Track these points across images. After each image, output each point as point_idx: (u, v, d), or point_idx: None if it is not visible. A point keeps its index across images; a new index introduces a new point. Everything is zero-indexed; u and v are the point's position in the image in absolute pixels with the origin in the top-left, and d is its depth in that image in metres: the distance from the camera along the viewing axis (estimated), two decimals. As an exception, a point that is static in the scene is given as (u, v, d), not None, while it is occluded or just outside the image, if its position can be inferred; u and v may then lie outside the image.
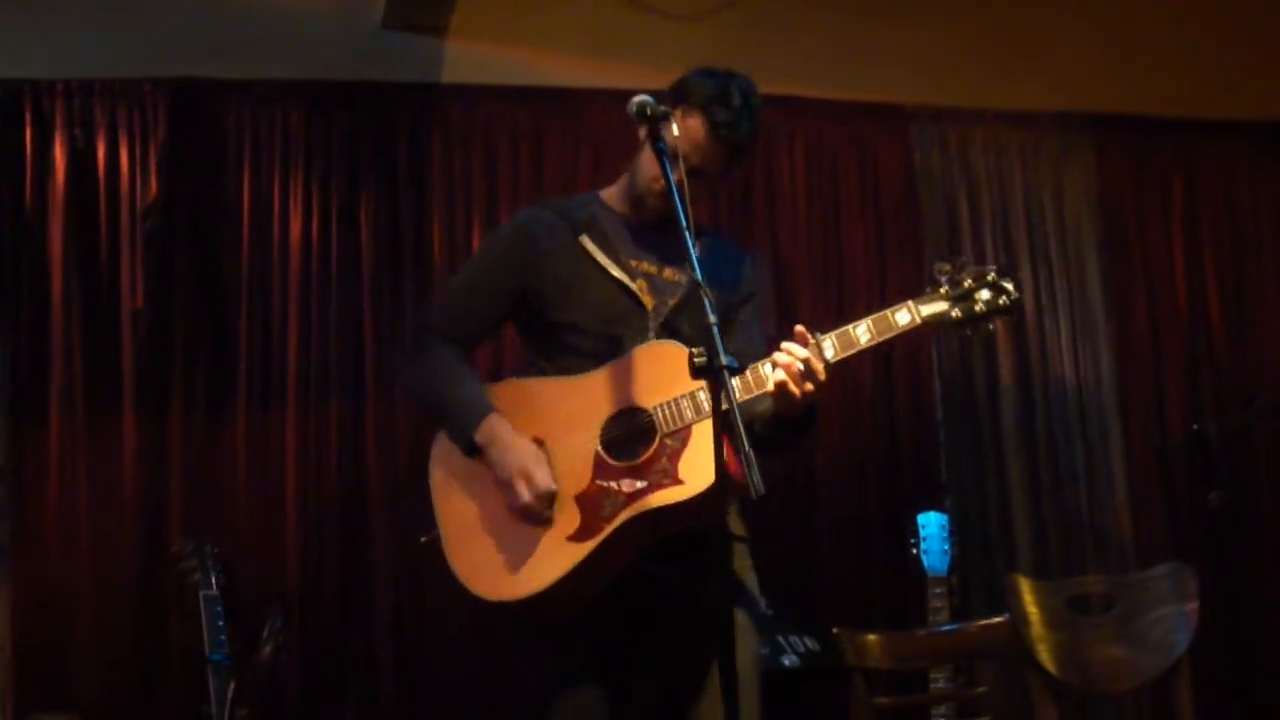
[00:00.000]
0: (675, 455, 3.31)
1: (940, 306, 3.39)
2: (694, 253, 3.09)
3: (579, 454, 3.39)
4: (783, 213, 6.49)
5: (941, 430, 6.50)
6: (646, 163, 3.53)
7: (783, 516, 6.11)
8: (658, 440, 3.34)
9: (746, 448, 2.83)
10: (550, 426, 3.45)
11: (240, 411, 5.84)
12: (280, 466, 5.84)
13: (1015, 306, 3.41)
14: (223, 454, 5.81)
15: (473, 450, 3.47)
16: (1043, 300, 6.67)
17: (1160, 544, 6.42)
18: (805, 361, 3.26)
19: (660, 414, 3.34)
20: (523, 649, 3.49)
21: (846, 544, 6.31)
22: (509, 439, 3.42)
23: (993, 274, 3.42)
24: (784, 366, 3.25)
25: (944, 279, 3.42)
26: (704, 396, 3.27)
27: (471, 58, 6.25)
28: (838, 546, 6.29)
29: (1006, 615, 4.67)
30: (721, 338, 2.97)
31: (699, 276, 3.06)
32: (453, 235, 6.08)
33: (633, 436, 3.38)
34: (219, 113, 5.99)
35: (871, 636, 4.60)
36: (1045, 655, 4.60)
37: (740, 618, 3.36)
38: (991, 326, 3.44)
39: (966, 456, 6.48)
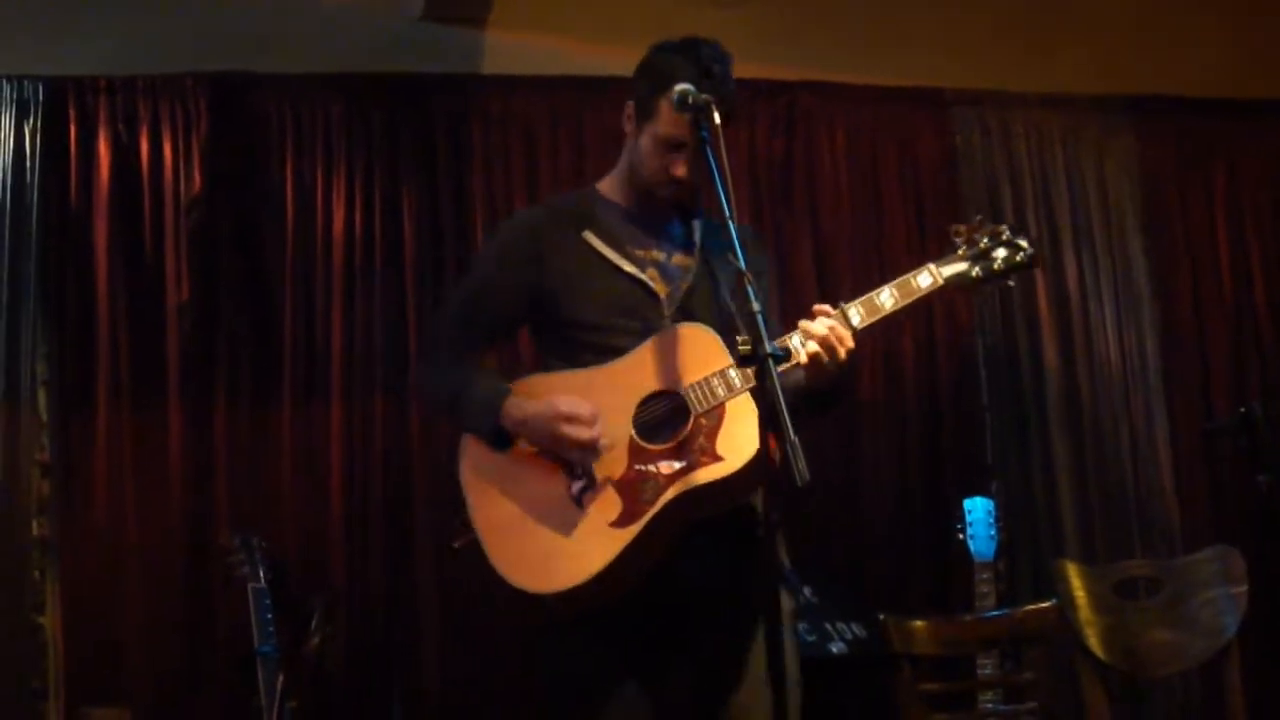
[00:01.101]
0: (712, 433, 3.29)
1: (960, 267, 3.51)
2: (736, 235, 3.09)
3: (613, 440, 3.36)
4: (823, 199, 6.50)
5: (987, 414, 6.49)
6: (648, 154, 3.50)
7: (828, 503, 6.12)
8: (692, 420, 3.32)
9: (792, 436, 2.83)
10: None
11: (285, 405, 5.89)
12: (325, 459, 5.89)
13: (1031, 261, 3.54)
14: (268, 447, 5.87)
15: (500, 441, 3.45)
16: (1087, 283, 6.67)
17: (1207, 527, 6.41)
18: (833, 329, 3.30)
19: (693, 394, 3.33)
20: (558, 643, 3.47)
21: (892, 530, 6.33)
22: (533, 408, 3.39)
23: (1007, 232, 3.55)
24: (816, 338, 3.28)
25: (960, 240, 3.55)
26: (734, 373, 3.28)
27: (511, 48, 6.28)
28: (883, 533, 6.32)
29: (1054, 600, 4.69)
30: (765, 324, 2.98)
31: (742, 262, 3.06)
32: (493, 225, 6.09)
33: (665, 420, 3.36)
34: (260, 106, 6.05)
35: (918, 623, 4.63)
36: (1093, 640, 4.61)
37: (785, 604, 3.35)
38: (1011, 282, 3.57)
39: (1012, 441, 6.48)
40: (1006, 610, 5.02)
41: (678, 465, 3.30)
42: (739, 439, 3.25)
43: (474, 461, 3.51)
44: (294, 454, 5.87)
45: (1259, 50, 6.91)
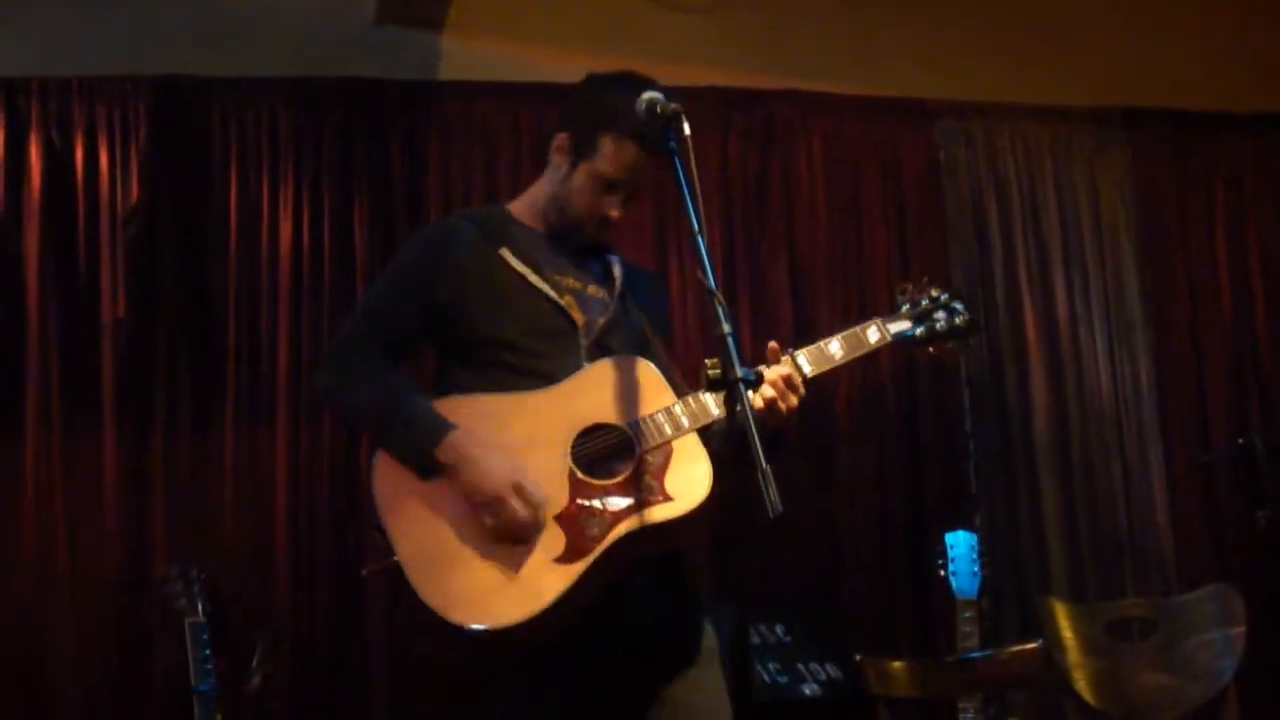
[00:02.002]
0: (660, 472, 3.32)
1: (905, 325, 3.62)
2: (705, 255, 3.09)
3: (550, 474, 3.33)
4: (800, 213, 6.47)
5: (971, 443, 6.46)
6: (582, 191, 3.53)
7: (803, 535, 6.09)
8: (638, 457, 3.33)
9: (764, 464, 2.82)
10: (513, 445, 3.38)
11: (228, 427, 5.82)
12: (270, 486, 5.81)
13: (971, 327, 3.65)
14: (209, 473, 5.79)
15: (430, 470, 3.38)
16: (1077, 305, 6.65)
17: (1204, 565, 6.38)
18: (787, 378, 3.34)
19: (638, 429, 3.34)
20: (491, 684, 3.43)
21: (870, 565, 6.28)
22: (483, 456, 3.34)
23: (945, 296, 3.66)
24: (770, 383, 3.31)
25: (903, 299, 3.66)
26: (680, 411, 3.34)
27: (469, 53, 6.25)
28: (861, 568, 6.27)
29: (1041, 641, 4.66)
30: (737, 349, 2.99)
31: (713, 284, 3.05)
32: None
33: (606, 454, 3.36)
34: (204, 112, 5.98)
35: (897, 664, 4.59)
36: (1082, 684, 4.59)
37: (709, 640, 3.46)
38: (951, 345, 3.66)
39: (997, 471, 6.45)
40: (990, 651, 4.97)
41: (625, 503, 3.30)
42: (690, 479, 3.31)
43: (393, 483, 3.43)
44: (236, 480, 5.79)
45: (1262, 62, 6.91)
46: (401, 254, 3.71)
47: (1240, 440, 5.01)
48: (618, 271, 3.63)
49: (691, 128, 3.17)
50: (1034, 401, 6.50)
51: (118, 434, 5.72)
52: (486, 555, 3.31)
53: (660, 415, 3.34)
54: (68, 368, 5.72)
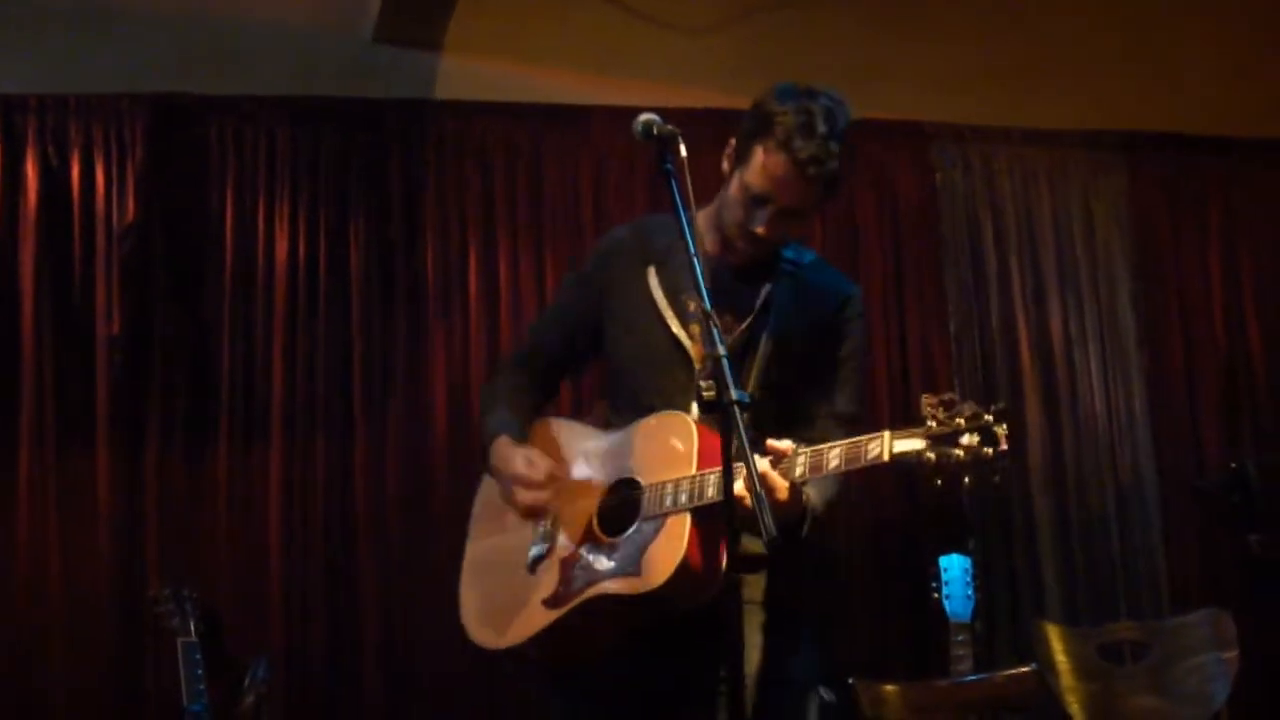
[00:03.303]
0: (644, 544, 3.24)
1: (916, 444, 3.04)
2: (700, 272, 3.03)
3: (579, 516, 3.38)
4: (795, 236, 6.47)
5: (965, 468, 6.45)
6: (734, 201, 3.42)
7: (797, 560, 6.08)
8: (636, 524, 3.28)
9: (759, 488, 2.81)
10: (563, 482, 3.44)
11: (221, 446, 5.83)
12: (264, 505, 5.82)
13: (998, 464, 3.02)
14: (203, 491, 5.80)
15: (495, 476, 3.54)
16: (1071, 329, 6.67)
17: (1197, 589, 6.38)
18: (763, 476, 3.05)
19: (648, 495, 3.28)
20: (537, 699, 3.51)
21: (863, 588, 6.28)
22: (511, 452, 3.44)
23: (989, 417, 3.02)
24: (743, 478, 2.97)
25: (928, 414, 3.06)
26: (685, 486, 3.19)
27: (466, 72, 6.26)
28: (854, 591, 6.27)
29: (1034, 664, 4.68)
30: (733, 372, 2.92)
31: (707, 303, 3.00)
32: (446, 259, 6.09)
33: (625, 512, 3.33)
34: (200, 130, 6.00)
35: (890, 687, 4.61)
36: (1075, 706, 4.61)
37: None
38: (967, 480, 3.04)
39: (990, 496, 6.45)
40: (984, 675, 5.00)
41: (607, 565, 3.28)
42: (661, 559, 3.19)
43: (485, 494, 3.62)
44: (230, 499, 5.80)
45: (1258, 86, 6.93)
46: (570, 271, 3.76)
47: (1233, 464, 5.04)
48: (761, 300, 3.44)
49: (690, 149, 3.17)
50: (1028, 424, 6.51)
51: (111, 452, 5.72)
52: (506, 577, 3.43)
53: (668, 485, 3.25)
54: (62, 385, 5.73)
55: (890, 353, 6.42)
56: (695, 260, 3.07)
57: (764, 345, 3.43)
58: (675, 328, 3.44)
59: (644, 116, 3.26)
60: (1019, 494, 6.47)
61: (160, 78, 5.96)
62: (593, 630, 3.30)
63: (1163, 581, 6.48)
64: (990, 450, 2.99)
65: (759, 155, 3.37)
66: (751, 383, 3.38)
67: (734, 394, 2.90)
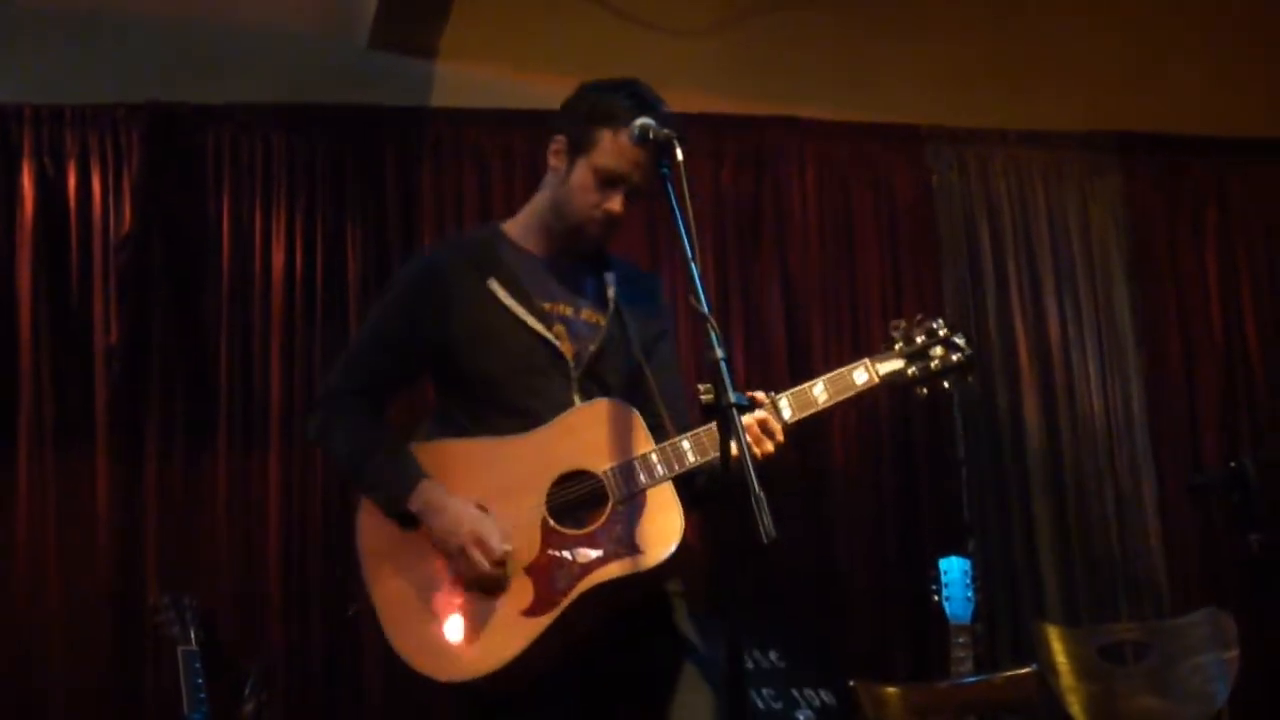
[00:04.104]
0: (631, 522, 3.28)
1: (896, 364, 3.50)
2: (698, 279, 3.06)
3: (524, 521, 3.33)
4: (793, 239, 6.49)
5: (963, 469, 6.48)
6: (581, 188, 3.45)
7: (797, 562, 6.10)
8: (610, 507, 3.29)
9: (758, 490, 2.82)
10: (487, 492, 3.38)
11: (220, 454, 5.84)
12: (262, 513, 5.83)
13: (969, 363, 3.53)
14: (202, 500, 5.80)
15: (406, 520, 3.40)
16: (1069, 330, 6.68)
17: (1197, 588, 6.40)
18: (762, 423, 3.27)
19: (611, 478, 3.30)
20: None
21: (864, 590, 6.29)
22: (450, 505, 3.35)
23: (944, 330, 3.52)
24: (745, 427, 3.09)
25: (898, 335, 3.54)
26: (656, 459, 3.28)
27: (462, 79, 6.27)
28: (855, 593, 6.28)
29: (1034, 665, 4.68)
30: (730, 374, 2.95)
31: (705, 309, 3.01)
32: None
33: (581, 502, 3.32)
34: (197, 139, 6.01)
35: (891, 689, 4.61)
36: (1076, 707, 4.61)
37: (692, 678, 3.37)
38: (947, 384, 3.53)
39: (990, 497, 6.47)
40: (984, 676, 5.00)
41: (593, 554, 3.28)
42: (660, 532, 3.25)
43: (373, 528, 3.47)
44: (229, 507, 5.81)
45: (1253, 86, 6.95)
46: (387, 295, 3.68)
47: (1232, 463, 5.03)
48: (611, 291, 3.54)
49: (684, 153, 3.19)
50: (1026, 426, 6.52)
51: (110, 461, 5.73)
52: (457, 606, 3.34)
53: (636, 462, 3.29)
54: (60, 395, 5.74)
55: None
56: (693, 266, 3.08)
57: (630, 328, 3.51)
58: (539, 329, 3.44)
59: (640, 120, 3.29)
60: (1018, 495, 6.47)
61: (156, 87, 5.96)
62: (578, 629, 3.28)
63: (1163, 581, 6.48)
64: (957, 356, 3.51)
65: (606, 139, 3.40)
66: (624, 370, 3.48)
67: (732, 397, 2.91)
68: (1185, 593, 6.38)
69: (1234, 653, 4.63)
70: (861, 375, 3.45)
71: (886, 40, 6.65)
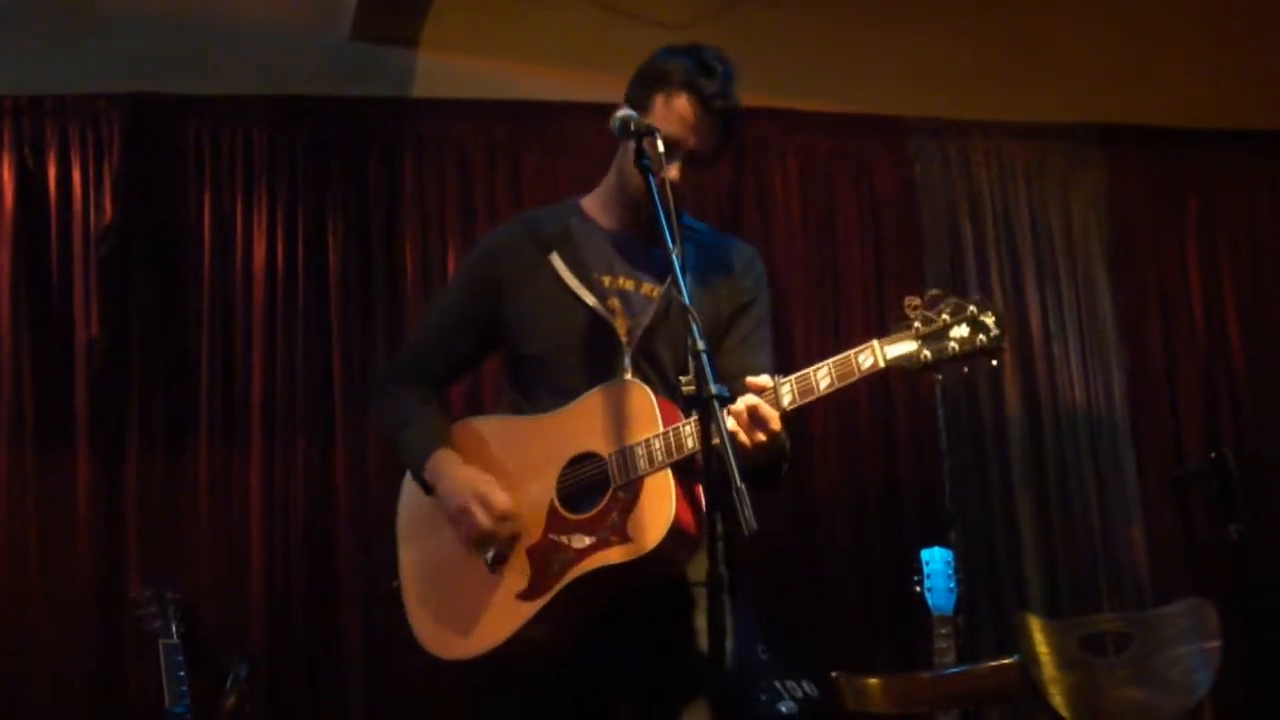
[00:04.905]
0: (626, 510, 3.22)
1: (909, 347, 3.19)
2: (679, 269, 3.03)
3: (535, 503, 3.33)
4: (776, 231, 6.50)
5: (945, 461, 6.48)
6: (634, 167, 3.33)
7: (779, 554, 6.10)
8: (610, 492, 3.24)
9: (739, 483, 2.79)
10: (506, 473, 3.39)
11: (201, 448, 5.83)
12: (244, 506, 5.82)
13: (995, 347, 3.17)
14: (183, 493, 5.80)
15: (427, 488, 3.45)
16: (1051, 322, 6.69)
17: (1178, 579, 6.41)
18: (753, 410, 3.14)
19: (614, 464, 3.25)
20: (484, 708, 3.46)
21: (846, 582, 6.30)
22: (455, 469, 3.38)
23: (973, 308, 3.18)
24: (734, 414, 3.11)
25: (914, 315, 3.20)
26: (658, 444, 3.18)
27: (444, 70, 6.27)
28: (837, 584, 6.29)
29: (1016, 656, 4.67)
30: (712, 364, 2.90)
31: (686, 298, 3.00)
32: (426, 258, 6.08)
33: (590, 486, 3.29)
34: (178, 130, 6.00)
35: (873, 680, 4.60)
36: (1058, 698, 4.61)
37: (694, 683, 3.30)
38: (966, 369, 3.22)
39: (972, 489, 6.48)
40: (966, 667, 5.00)
41: (588, 540, 3.24)
42: (650, 521, 3.18)
43: (409, 501, 3.54)
44: (211, 501, 5.80)
45: (1235, 78, 6.96)
46: (459, 268, 3.72)
47: (1213, 453, 5.05)
48: (679, 269, 3.19)
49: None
50: (1008, 417, 6.54)
51: (91, 454, 5.72)
52: (461, 584, 3.37)
53: (638, 448, 3.22)
54: (41, 388, 5.73)
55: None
56: (675, 257, 3.06)
57: (694, 304, 3.36)
58: (594, 304, 3.43)
59: (621, 112, 3.28)
60: (1000, 486, 6.48)
61: (137, 78, 5.95)
62: (572, 615, 3.28)
63: (1144, 572, 6.50)
64: (984, 338, 3.14)
65: (659, 104, 3.38)
66: (679, 346, 3.37)
67: (714, 389, 2.88)
68: (1166, 583, 6.40)
69: (1215, 643, 4.64)
70: (867, 359, 3.18)
71: (869, 32, 6.66)
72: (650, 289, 3.48)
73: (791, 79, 6.55)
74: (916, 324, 3.18)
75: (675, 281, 3.05)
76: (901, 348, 3.19)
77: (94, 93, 5.90)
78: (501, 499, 3.31)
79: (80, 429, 5.72)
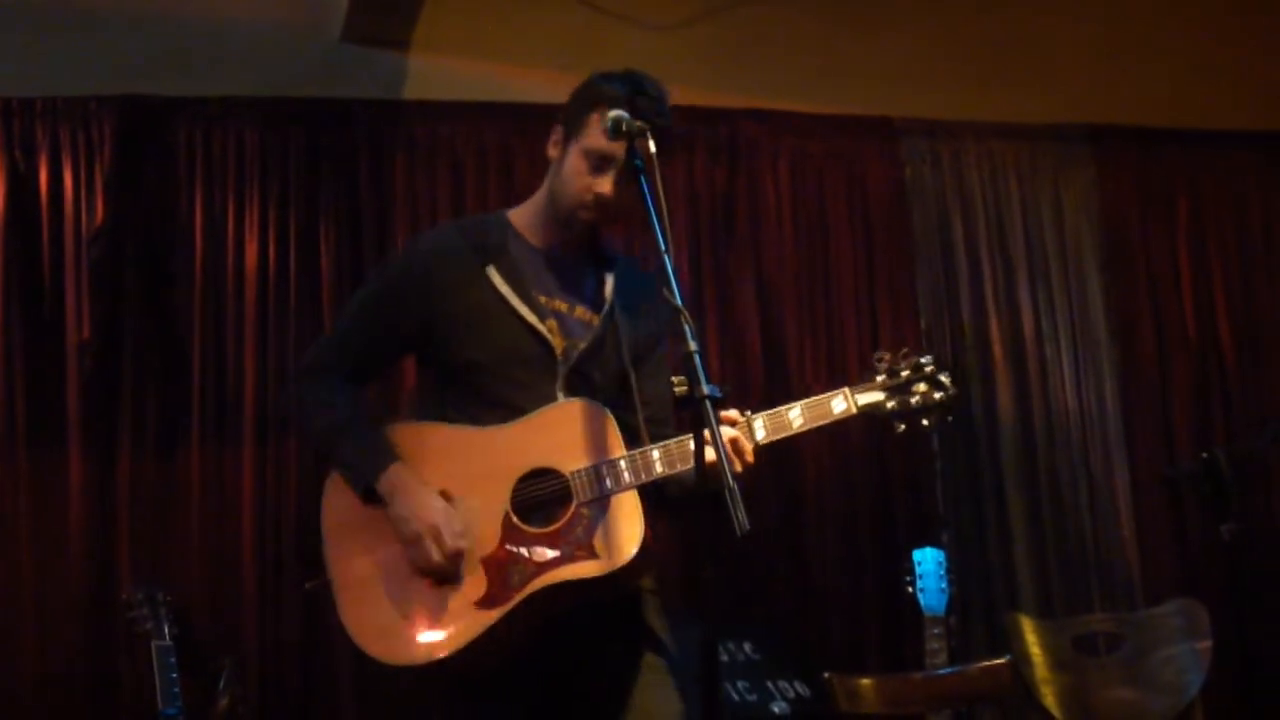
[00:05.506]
0: (592, 527, 3.28)
1: (876, 397, 3.48)
2: (671, 272, 3.06)
3: (487, 514, 3.34)
4: (767, 233, 6.50)
5: (938, 461, 6.49)
6: (573, 172, 3.44)
7: (771, 554, 6.11)
8: (573, 508, 3.29)
9: (731, 482, 2.84)
10: (456, 481, 3.38)
11: (193, 449, 5.82)
12: (236, 509, 5.81)
13: (950, 404, 3.49)
14: (175, 495, 5.79)
15: (371, 497, 3.40)
16: (1042, 321, 6.69)
17: (1170, 579, 6.42)
18: (733, 441, 3.25)
19: (577, 480, 3.30)
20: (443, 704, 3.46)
21: (839, 583, 6.30)
22: (416, 492, 3.35)
23: (930, 366, 3.49)
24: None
25: (881, 368, 3.50)
26: (624, 466, 3.28)
27: (436, 72, 6.26)
28: (829, 585, 6.28)
29: (1008, 657, 4.69)
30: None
31: (679, 301, 3.02)
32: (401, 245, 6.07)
33: (546, 500, 3.33)
34: (169, 132, 5.98)
35: (865, 680, 4.61)
36: (1049, 699, 4.62)
37: (656, 670, 3.39)
38: (926, 422, 3.50)
39: (964, 489, 6.48)
40: (958, 667, 5.01)
41: (550, 554, 3.28)
42: (619, 539, 3.25)
43: (338, 504, 3.49)
44: (203, 503, 5.79)
45: (1225, 79, 6.97)
46: (380, 271, 3.70)
47: (1204, 454, 5.05)
48: (609, 290, 3.52)
49: (666, 145, 3.21)
50: (1000, 418, 6.54)
51: (83, 455, 5.71)
52: (409, 590, 3.34)
53: (603, 467, 3.29)
54: (32, 389, 5.71)
55: (863, 347, 6.42)
56: (666, 259, 3.08)
57: (623, 332, 3.49)
58: (532, 321, 3.44)
59: (612, 113, 3.29)
60: (992, 487, 6.49)
61: (128, 79, 5.94)
62: (528, 625, 3.28)
63: (1136, 573, 6.50)
64: (940, 395, 3.48)
65: (595, 121, 3.40)
66: (609, 371, 3.46)
67: (706, 389, 2.91)
68: (1158, 583, 6.40)
69: (1207, 643, 4.66)
70: (840, 404, 3.45)
71: (860, 33, 6.66)
72: (584, 313, 3.52)
73: (781, 80, 6.56)
74: (881, 376, 3.49)
75: (668, 286, 3.05)
76: (870, 396, 3.48)
77: (85, 94, 5.89)
78: (453, 538, 3.30)
79: (72, 430, 5.71)
